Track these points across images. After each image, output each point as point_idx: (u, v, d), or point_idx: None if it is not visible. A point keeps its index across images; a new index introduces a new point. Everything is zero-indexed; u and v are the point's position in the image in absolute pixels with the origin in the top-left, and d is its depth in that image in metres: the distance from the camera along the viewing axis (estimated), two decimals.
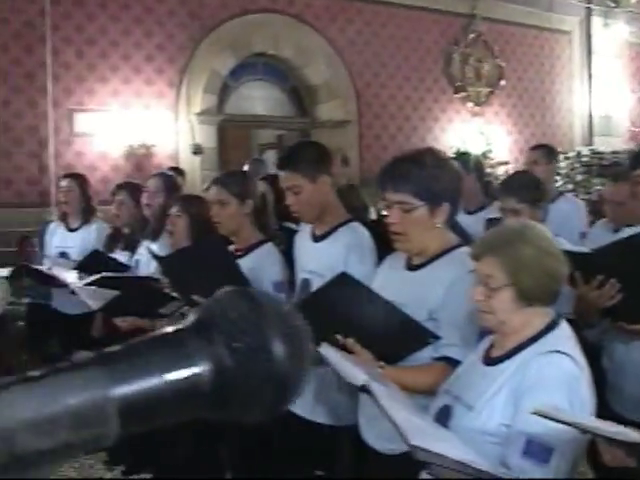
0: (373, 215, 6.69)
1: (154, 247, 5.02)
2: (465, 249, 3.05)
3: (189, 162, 11.25)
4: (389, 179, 3.09)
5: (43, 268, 6.63)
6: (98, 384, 0.72)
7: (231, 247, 4.31)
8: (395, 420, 2.32)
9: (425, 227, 3.07)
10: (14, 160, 10.45)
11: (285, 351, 0.75)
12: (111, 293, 4.65)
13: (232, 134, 12.93)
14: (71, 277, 5.94)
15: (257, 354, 0.75)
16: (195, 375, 0.75)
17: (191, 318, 0.78)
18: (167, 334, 0.78)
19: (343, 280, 3.10)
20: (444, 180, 3.08)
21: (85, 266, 5.84)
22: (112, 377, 0.73)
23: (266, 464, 4.14)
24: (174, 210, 4.76)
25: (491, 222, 4.98)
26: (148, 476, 5.88)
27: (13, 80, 10.46)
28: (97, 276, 4.81)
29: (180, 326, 0.78)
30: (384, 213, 3.31)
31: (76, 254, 6.46)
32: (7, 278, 6.54)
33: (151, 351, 0.76)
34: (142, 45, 11.39)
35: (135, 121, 11.01)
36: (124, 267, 5.70)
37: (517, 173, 5.55)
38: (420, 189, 3.02)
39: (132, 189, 6.20)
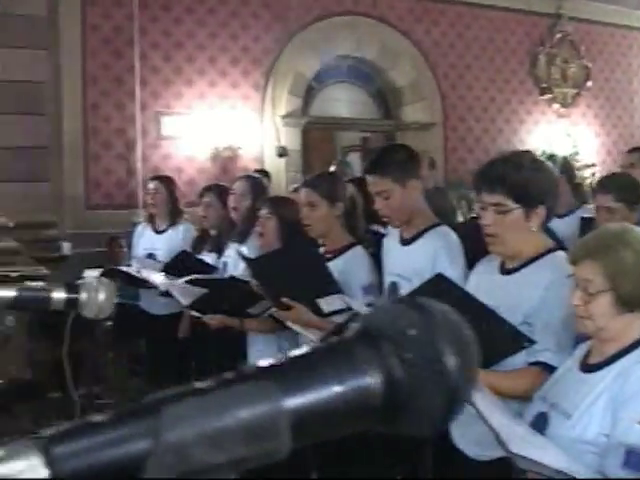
0: (460, 218, 6.63)
1: (243, 249, 5.04)
2: (561, 253, 3.00)
3: (274, 164, 11.28)
4: (484, 181, 3.05)
5: (132, 269, 6.72)
6: (270, 396, 0.70)
7: (321, 249, 4.29)
8: (494, 426, 2.28)
9: (520, 230, 3.02)
10: (103, 163, 10.60)
11: (457, 362, 0.72)
12: (201, 291, 4.68)
13: (316, 136, 12.94)
14: (159, 278, 6.00)
15: (429, 365, 0.72)
16: (366, 386, 0.72)
17: (356, 328, 0.76)
18: (334, 344, 0.75)
19: (439, 282, 3.06)
20: (541, 183, 3.02)
21: (172, 267, 5.89)
22: (283, 389, 0.70)
23: (348, 465, 4.12)
24: (263, 212, 4.76)
25: (585, 221, 4.89)
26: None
27: (102, 84, 10.61)
28: (188, 278, 4.84)
29: (346, 336, 0.75)
30: (473, 215, 3.27)
31: (163, 256, 6.53)
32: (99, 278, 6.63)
33: (321, 362, 0.73)
34: (228, 48, 11.46)
35: (221, 124, 11.07)
36: (211, 268, 5.74)
37: (615, 173, 5.48)
38: (516, 191, 2.97)
39: (219, 191, 6.23)
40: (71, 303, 1.81)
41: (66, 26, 10.37)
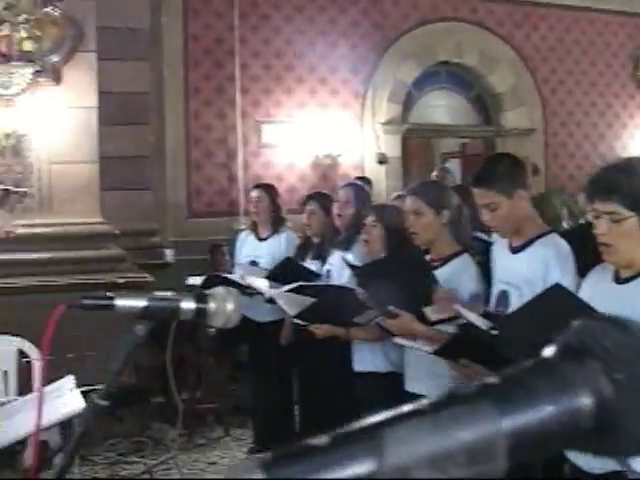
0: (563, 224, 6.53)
1: (349, 256, 5.02)
2: None
3: (374, 172, 11.25)
4: (598, 189, 2.98)
5: (235, 276, 6.77)
6: (488, 417, 0.68)
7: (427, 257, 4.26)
8: None
9: (635, 239, 2.94)
10: (204, 171, 10.73)
11: None
12: (308, 300, 4.67)
13: (414, 143, 12.89)
14: (264, 285, 6.02)
15: (638, 386, 0.70)
16: (578, 407, 0.70)
17: (555, 346, 0.73)
18: (542, 361, 0.73)
19: (556, 292, 3.00)
20: None
21: (277, 274, 5.92)
22: (501, 410, 0.69)
23: None
24: (369, 219, 4.75)
25: None
26: None
27: (204, 94, 10.75)
28: (294, 285, 4.84)
29: (548, 354, 0.73)
30: (582, 222, 3.21)
31: (266, 263, 6.56)
32: (200, 286, 6.70)
33: (534, 381, 0.71)
34: (327, 56, 11.48)
35: (321, 131, 11.10)
36: (315, 276, 5.74)
37: None
38: (630, 199, 2.90)
39: (322, 199, 6.24)
40: (200, 313, 1.82)
41: (168, 38, 10.54)
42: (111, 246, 7.99)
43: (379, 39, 11.86)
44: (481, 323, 3.20)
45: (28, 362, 5.82)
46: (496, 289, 3.87)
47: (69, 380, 3.35)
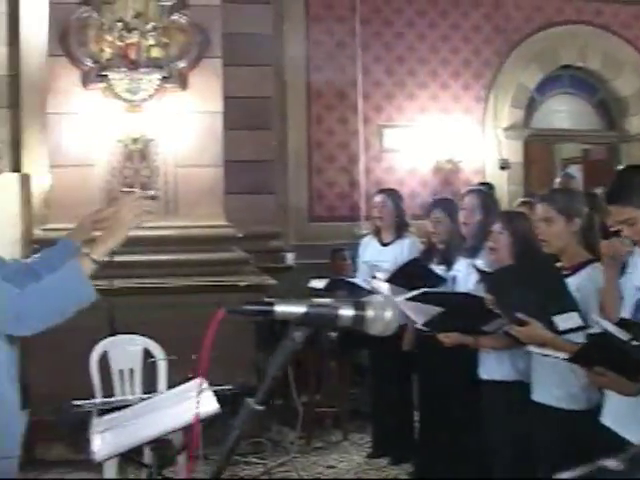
0: None
1: (479, 262, 4.94)
2: None
3: (496, 177, 11.08)
4: None
5: (358, 280, 6.74)
6: None
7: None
8: None
9: None
10: (326, 175, 10.77)
11: None
12: (435, 309, 4.60)
13: (535, 148, 12.66)
14: (385, 289, 5.98)
15: None
16: None
17: None
18: None
19: None
20: None
21: (400, 276, 5.86)
22: None
23: None
24: (496, 227, 4.67)
25: None
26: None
27: (326, 99, 10.79)
28: (418, 292, 4.78)
29: None
30: None
31: (388, 268, 6.50)
32: (323, 290, 6.70)
33: None
34: (449, 61, 11.40)
35: (442, 137, 11.02)
36: (441, 280, 5.67)
37: None
38: None
39: (447, 205, 6.17)
40: (358, 320, 1.81)
41: (291, 43, 10.62)
42: (234, 249, 8.06)
43: (501, 43, 11.71)
44: (619, 333, 3.09)
45: (153, 362, 5.91)
46: (635, 297, 3.74)
47: (200, 381, 3.36)
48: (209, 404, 3.37)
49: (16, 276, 3.07)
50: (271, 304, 1.83)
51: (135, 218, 2.97)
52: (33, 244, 8.06)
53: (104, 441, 3.43)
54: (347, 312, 1.81)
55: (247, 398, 1.91)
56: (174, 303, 7.37)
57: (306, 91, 10.74)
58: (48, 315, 2.76)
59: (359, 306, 1.80)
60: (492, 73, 11.62)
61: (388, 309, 1.80)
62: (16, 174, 8.48)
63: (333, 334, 7.43)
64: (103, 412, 4.18)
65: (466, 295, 4.79)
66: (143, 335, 6.11)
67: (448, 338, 4.91)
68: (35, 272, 3.13)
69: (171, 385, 5.45)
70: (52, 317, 2.77)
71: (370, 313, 1.79)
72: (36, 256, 3.37)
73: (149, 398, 4.40)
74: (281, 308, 1.82)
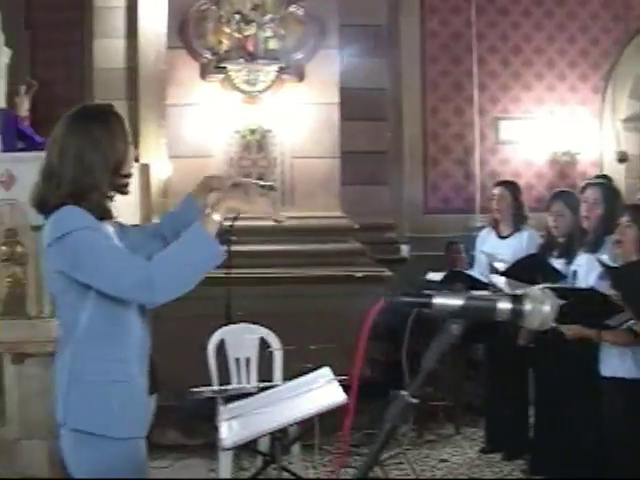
0: None
1: (604, 257, 4.82)
2: None
3: (613, 170, 10.79)
4: None
5: (475, 273, 6.66)
6: None
7: None
8: None
9: None
10: (441, 167, 10.72)
11: None
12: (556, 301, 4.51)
13: None
14: (503, 283, 5.90)
15: None
16: None
17: None
18: None
19: None
20: None
21: (519, 269, 5.77)
22: None
23: None
24: (623, 220, 4.55)
25: None
26: None
27: (441, 90, 10.74)
28: (539, 287, 4.68)
29: None
30: None
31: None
32: (440, 282, 6.64)
33: None
34: (566, 51, 11.18)
35: (559, 128, 10.83)
36: (560, 275, 5.56)
37: None
38: None
39: (568, 198, 6.04)
40: (515, 313, 1.79)
41: (406, 34, 10.59)
42: (350, 240, 8.06)
43: (620, 32, 11.41)
44: None
45: (270, 351, 5.94)
46: None
47: (326, 371, 3.36)
48: (336, 394, 3.36)
49: (143, 243, 3.12)
50: (430, 296, 1.81)
51: (254, 203, 2.93)
52: None
53: (231, 429, 3.45)
54: (505, 305, 1.80)
55: (399, 391, 1.91)
56: (290, 293, 7.40)
57: (421, 82, 10.71)
58: (180, 280, 2.77)
59: (517, 299, 1.78)
60: (611, 63, 11.34)
61: (546, 302, 1.77)
62: (135, 164, 8.61)
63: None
64: (228, 400, 4.21)
65: (591, 291, 4.67)
66: (258, 324, 6.14)
67: (570, 330, 4.81)
68: (161, 236, 3.17)
69: (287, 375, 5.49)
70: (184, 281, 2.78)
71: (528, 306, 1.77)
72: (157, 221, 3.40)
73: (268, 387, 4.42)
74: (439, 300, 1.81)
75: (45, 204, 2.90)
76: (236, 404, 3.88)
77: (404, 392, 1.90)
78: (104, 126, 2.93)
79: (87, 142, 2.88)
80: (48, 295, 6.65)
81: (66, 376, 2.89)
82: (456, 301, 1.80)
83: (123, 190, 3.02)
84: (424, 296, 1.83)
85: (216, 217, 2.79)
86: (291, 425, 3.75)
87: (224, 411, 3.79)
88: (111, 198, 2.98)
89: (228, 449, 3.76)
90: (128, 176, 3.01)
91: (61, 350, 2.96)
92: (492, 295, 1.82)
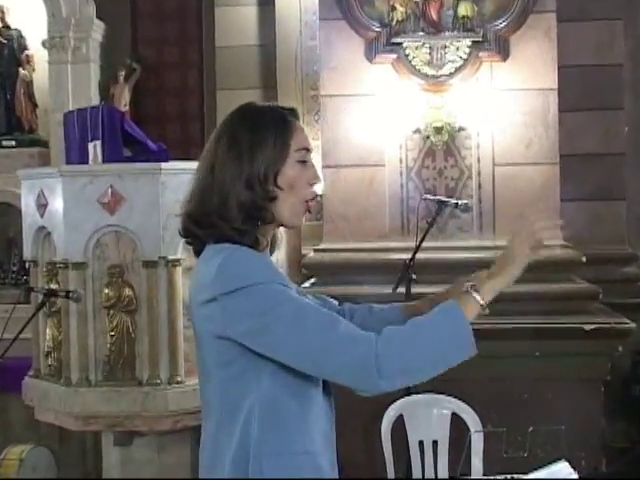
0: None
1: None
2: None
3: None
4: None
5: None
6: None
7: None
8: None
9: None
10: None
11: None
12: None
13: None
14: None
15: None
16: None
17: None
18: None
19: None
20: None
21: None
22: None
23: None
24: None
25: None
26: None
27: None
28: None
29: None
30: None
31: None
32: None
33: None
34: None
35: None
36: None
37: None
38: None
39: None
40: None
41: None
42: (576, 278, 7.84)
43: None
44: None
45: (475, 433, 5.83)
46: None
47: (564, 467, 3.25)
48: None
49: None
50: None
51: (532, 252, 2.84)
52: (302, 268, 8.17)
53: None
54: None
55: None
56: (491, 352, 7.24)
57: None
58: (415, 368, 2.71)
59: None
60: None
61: None
62: None
63: None
64: None
65: None
66: (448, 394, 6.06)
67: None
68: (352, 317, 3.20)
69: (488, 465, 5.38)
70: (420, 371, 2.72)
71: None
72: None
73: None
74: None
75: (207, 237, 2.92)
76: None
77: None
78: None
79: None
80: (179, 357, 6.75)
81: (230, 475, 2.82)
82: None
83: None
84: None
85: (478, 297, 2.75)
86: None
87: None
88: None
89: None
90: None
91: (214, 442, 2.92)
92: None
